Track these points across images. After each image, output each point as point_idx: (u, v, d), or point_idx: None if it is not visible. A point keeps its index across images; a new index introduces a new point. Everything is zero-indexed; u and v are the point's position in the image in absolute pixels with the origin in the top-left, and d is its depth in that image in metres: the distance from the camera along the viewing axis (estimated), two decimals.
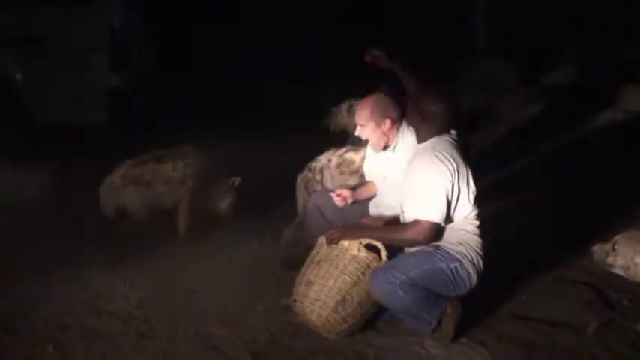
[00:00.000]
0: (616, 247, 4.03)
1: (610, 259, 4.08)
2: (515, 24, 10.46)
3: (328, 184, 4.63)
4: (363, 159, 4.47)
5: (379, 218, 4.03)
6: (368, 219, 4.07)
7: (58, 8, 6.97)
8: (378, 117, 3.94)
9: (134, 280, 4.42)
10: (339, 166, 4.65)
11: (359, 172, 4.53)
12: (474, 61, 10.24)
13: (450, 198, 3.51)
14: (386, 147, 4.04)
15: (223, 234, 5.18)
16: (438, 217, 3.50)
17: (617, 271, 4.07)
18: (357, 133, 4.06)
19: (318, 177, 4.68)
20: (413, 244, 3.59)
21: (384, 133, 3.98)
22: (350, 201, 4.12)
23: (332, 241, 3.70)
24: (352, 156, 4.68)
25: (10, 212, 5.51)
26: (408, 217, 3.62)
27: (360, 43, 4.41)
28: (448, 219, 3.55)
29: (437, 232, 3.53)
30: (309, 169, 4.76)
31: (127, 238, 5.03)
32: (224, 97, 8.71)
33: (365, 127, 3.99)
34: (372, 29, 9.58)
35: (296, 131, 6.87)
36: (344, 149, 4.77)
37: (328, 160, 4.71)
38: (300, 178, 4.81)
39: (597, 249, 4.13)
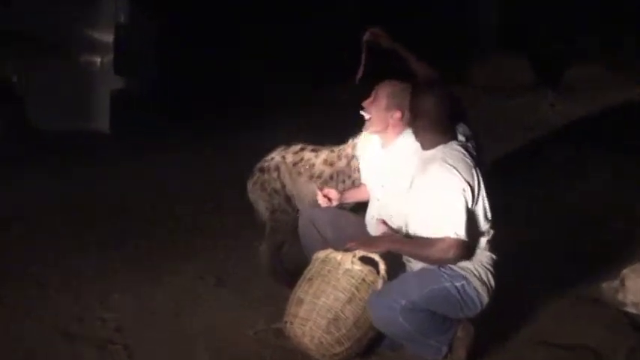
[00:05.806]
0: (625, 283, 3.83)
1: (620, 297, 3.84)
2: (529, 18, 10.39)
3: (287, 180, 4.41)
4: (323, 162, 4.34)
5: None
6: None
7: (61, 5, 6.79)
8: (394, 102, 3.83)
9: (111, 302, 4.20)
10: (295, 164, 4.42)
11: (321, 178, 4.34)
12: (483, 60, 10.15)
13: (467, 212, 3.38)
14: (377, 133, 3.93)
15: (211, 249, 5.03)
16: (462, 232, 3.33)
17: (630, 309, 3.85)
18: (363, 104, 3.93)
19: (274, 174, 4.42)
20: (440, 262, 3.41)
21: (387, 122, 3.86)
22: (335, 203, 3.99)
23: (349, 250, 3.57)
24: (310, 156, 4.42)
25: None
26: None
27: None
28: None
29: (465, 248, 3.36)
30: (261, 170, 4.49)
31: (103, 254, 4.82)
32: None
33: (375, 104, 3.87)
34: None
35: None
36: (298, 146, 4.50)
37: (282, 156, 4.47)
38: (251, 183, 4.52)
39: (606, 287, 3.91)
